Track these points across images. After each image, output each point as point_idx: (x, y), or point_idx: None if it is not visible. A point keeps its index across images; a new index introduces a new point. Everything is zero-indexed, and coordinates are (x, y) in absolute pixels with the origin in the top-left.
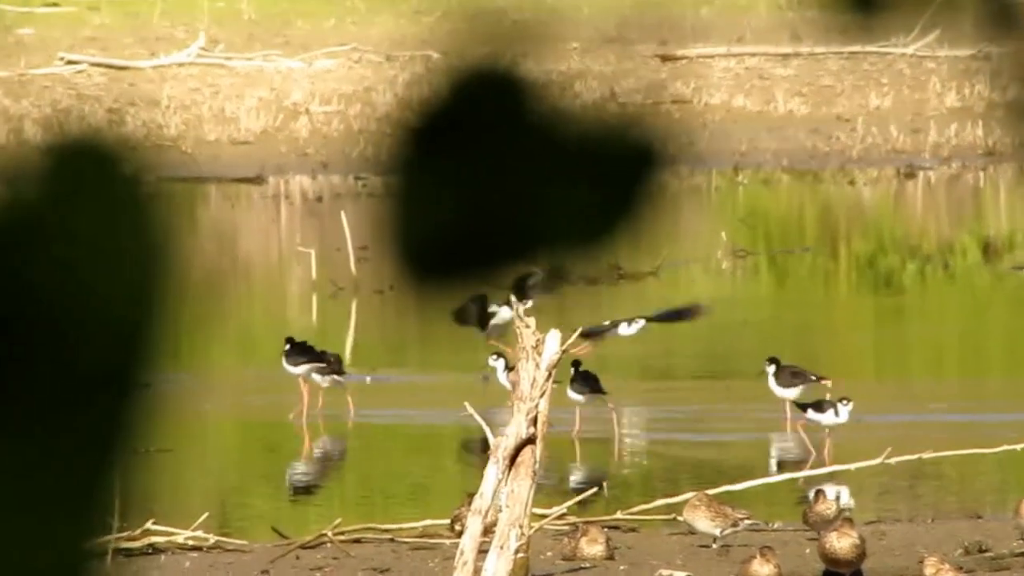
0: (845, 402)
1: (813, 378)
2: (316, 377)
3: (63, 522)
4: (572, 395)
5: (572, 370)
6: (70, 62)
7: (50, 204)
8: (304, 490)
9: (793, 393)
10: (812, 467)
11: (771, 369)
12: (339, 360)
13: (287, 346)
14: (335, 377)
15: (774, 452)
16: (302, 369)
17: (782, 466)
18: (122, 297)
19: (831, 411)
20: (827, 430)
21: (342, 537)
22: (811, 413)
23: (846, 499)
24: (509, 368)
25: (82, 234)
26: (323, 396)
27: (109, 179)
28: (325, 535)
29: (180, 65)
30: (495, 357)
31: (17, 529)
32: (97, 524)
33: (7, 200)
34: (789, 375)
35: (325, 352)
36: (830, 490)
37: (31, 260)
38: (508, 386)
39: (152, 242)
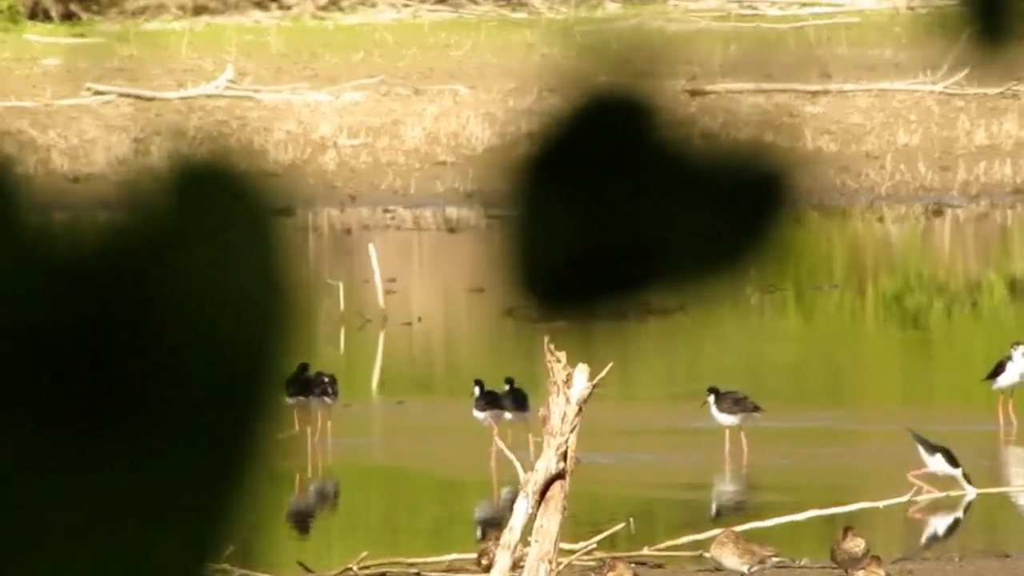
0: (960, 473)
1: (752, 407)
2: (312, 402)
3: (170, 540)
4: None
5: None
6: (97, 92)
7: (160, 228)
8: (328, 523)
9: (733, 420)
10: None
11: (711, 398)
12: (333, 381)
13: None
14: (323, 399)
15: (801, 488)
16: (291, 400)
17: (809, 502)
18: (236, 319)
19: (959, 471)
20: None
21: (367, 571)
22: (938, 458)
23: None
24: (483, 395)
25: (198, 257)
26: (329, 422)
27: (226, 206)
28: (351, 569)
29: (208, 97)
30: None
31: (124, 546)
32: (209, 546)
33: (117, 225)
34: (730, 402)
35: (320, 374)
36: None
37: (148, 282)
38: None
39: (265, 269)
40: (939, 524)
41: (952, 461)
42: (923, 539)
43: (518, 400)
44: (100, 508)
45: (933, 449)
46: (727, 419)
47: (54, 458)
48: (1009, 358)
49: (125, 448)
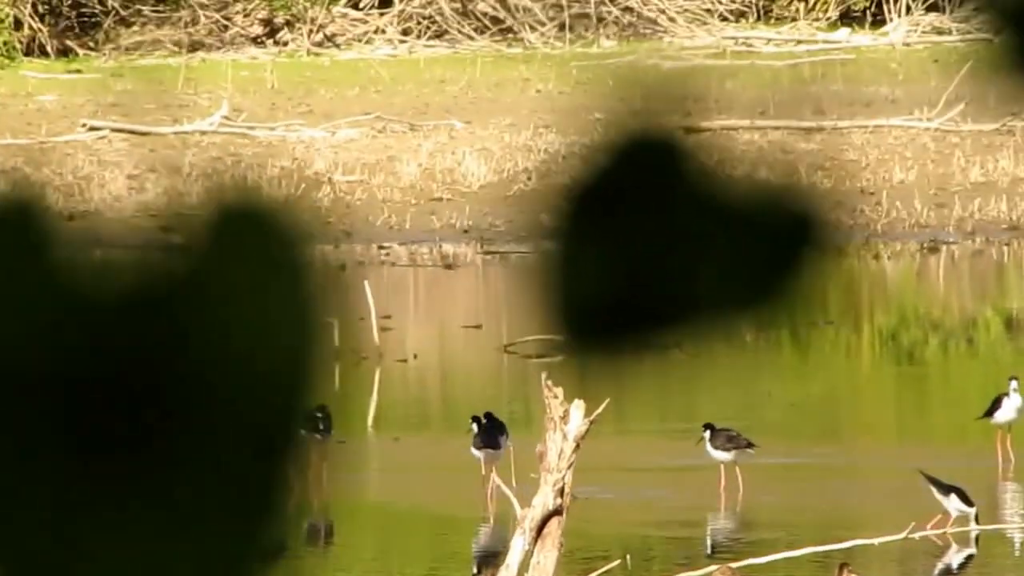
0: (973, 512)
1: (745, 443)
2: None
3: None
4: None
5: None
6: (92, 128)
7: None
8: (323, 559)
9: (727, 456)
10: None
11: (707, 434)
12: (326, 416)
13: None
14: (315, 435)
15: (797, 524)
16: None
17: (805, 539)
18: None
19: (973, 510)
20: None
21: None
22: (953, 499)
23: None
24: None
25: (236, 295)
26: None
27: (263, 242)
28: None
29: (203, 133)
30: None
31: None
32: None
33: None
34: (724, 439)
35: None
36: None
37: (182, 320)
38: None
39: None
40: (935, 560)
41: (966, 500)
42: (920, 574)
43: (491, 435)
44: (123, 540)
45: (948, 489)
46: (722, 455)
47: (76, 492)
48: (1006, 394)
49: (146, 484)
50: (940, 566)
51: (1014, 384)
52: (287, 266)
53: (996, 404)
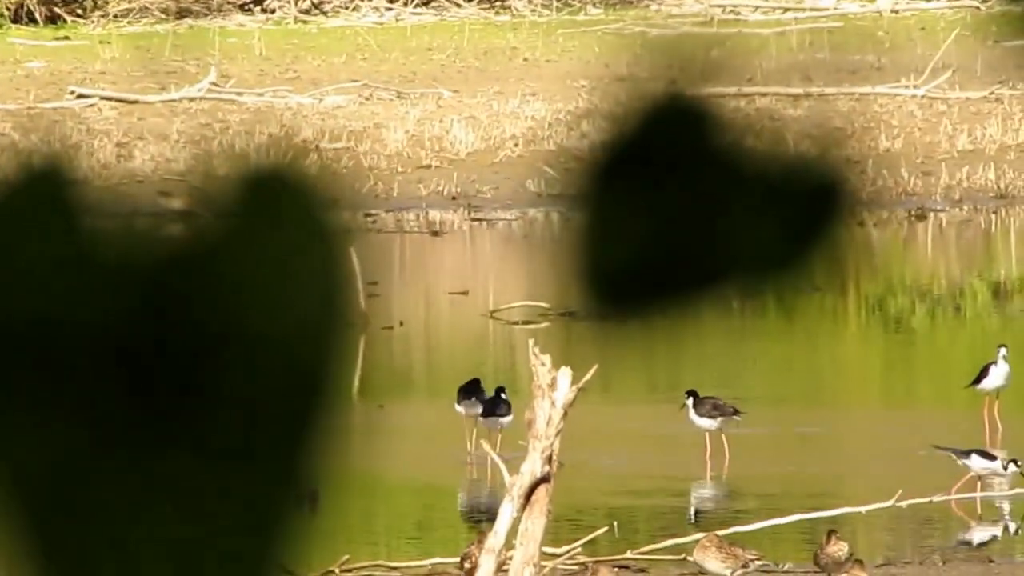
0: (1018, 463)
1: (731, 411)
2: None
3: (238, 546)
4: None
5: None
6: (80, 96)
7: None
8: (309, 526)
9: (712, 424)
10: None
11: (690, 401)
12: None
13: None
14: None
15: (784, 492)
16: None
17: (792, 507)
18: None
19: (997, 462)
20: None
21: (350, 574)
22: (963, 459)
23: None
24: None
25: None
26: None
27: (291, 210)
28: (332, 572)
29: (191, 100)
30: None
31: (190, 551)
32: (270, 562)
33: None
34: (710, 407)
35: None
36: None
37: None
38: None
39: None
40: (922, 528)
41: (988, 455)
42: (906, 543)
43: (496, 406)
44: (146, 506)
45: (966, 452)
46: (708, 423)
47: (102, 458)
48: (994, 362)
49: (172, 446)
50: (926, 533)
51: (1003, 351)
52: (304, 233)
53: (984, 372)
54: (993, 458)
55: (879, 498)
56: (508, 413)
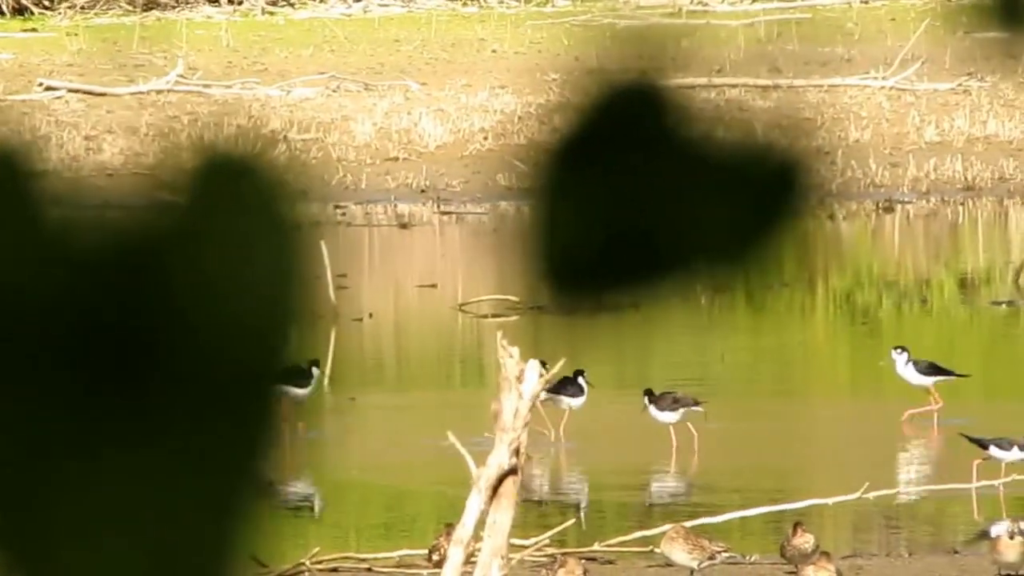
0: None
1: (692, 402)
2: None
3: (198, 534)
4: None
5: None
6: (49, 88)
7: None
8: (279, 518)
9: (675, 417)
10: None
11: (646, 399)
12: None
13: None
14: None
15: (751, 484)
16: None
17: (759, 499)
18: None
19: (1015, 448)
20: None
21: (320, 566)
22: (993, 450)
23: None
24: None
25: (218, 249)
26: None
27: (253, 197)
28: (303, 564)
29: (158, 92)
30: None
31: (150, 541)
32: (240, 554)
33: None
34: (670, 400)
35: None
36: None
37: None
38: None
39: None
40: (888, 520)
41: (1006, 445)
42: (872, 535)
43: (564, 386)
44: (108, 497)
45: (985, 444)
46: (668, 417)
47: (60, 448)
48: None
49: (136, 436)
50: (892, 525)
51: (895, 353)
52: (273, 224)
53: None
54: (1011, 445)
55: (846, 490)
56: (577, 395)
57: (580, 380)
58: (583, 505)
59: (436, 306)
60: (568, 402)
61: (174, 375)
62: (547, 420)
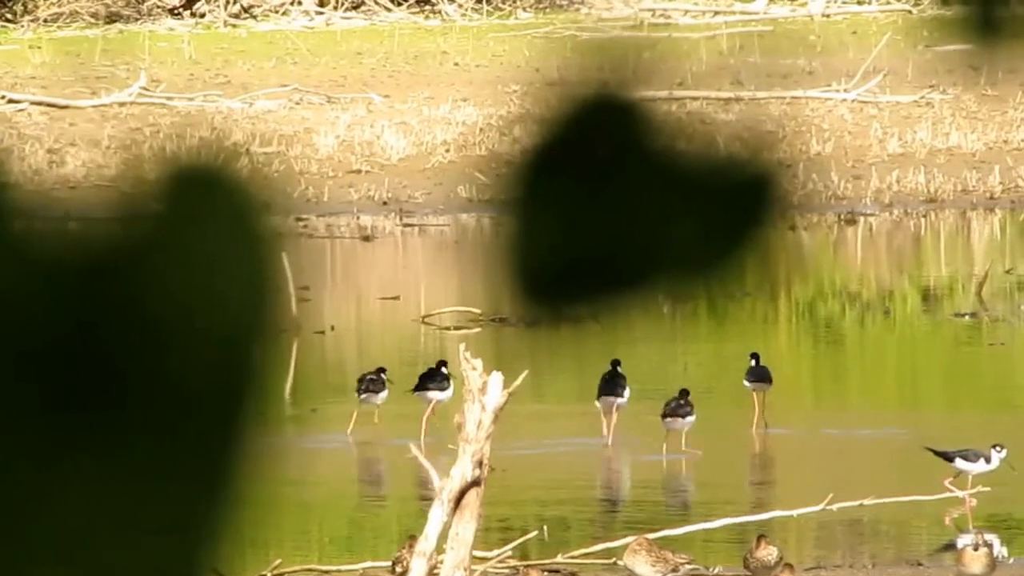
0: (998, 448)
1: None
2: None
3: (168, 549)
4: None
5: None
6: (11, 101)
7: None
8: (240, 529)
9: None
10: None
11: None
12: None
13: None
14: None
15: (714, 496)
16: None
17: (723, 510)
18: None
19: (981, 460)
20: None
21: None
22: (959, 462)
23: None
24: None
25: (181, 262)
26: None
27: (222, 210)
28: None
29: (121, 105)
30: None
31: (113, 555)
32: (201, 566)
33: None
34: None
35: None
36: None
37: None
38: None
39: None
40: (852, 532)
41: (971, 456)
42: (836, 547)
43: (614, 385)
44: (76, 510)
45: (951, 456)
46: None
47: (24, 461)
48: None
49: (102, 448)
50: (856, 537)
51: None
52: (235, 237)
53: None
54: (977, 457)
55: (809, 502)
56: (620, 394)
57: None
58: (546, 517)
59: (399, 318)
60: (618, 401)
61: (138, 388)
62: (605, 426)
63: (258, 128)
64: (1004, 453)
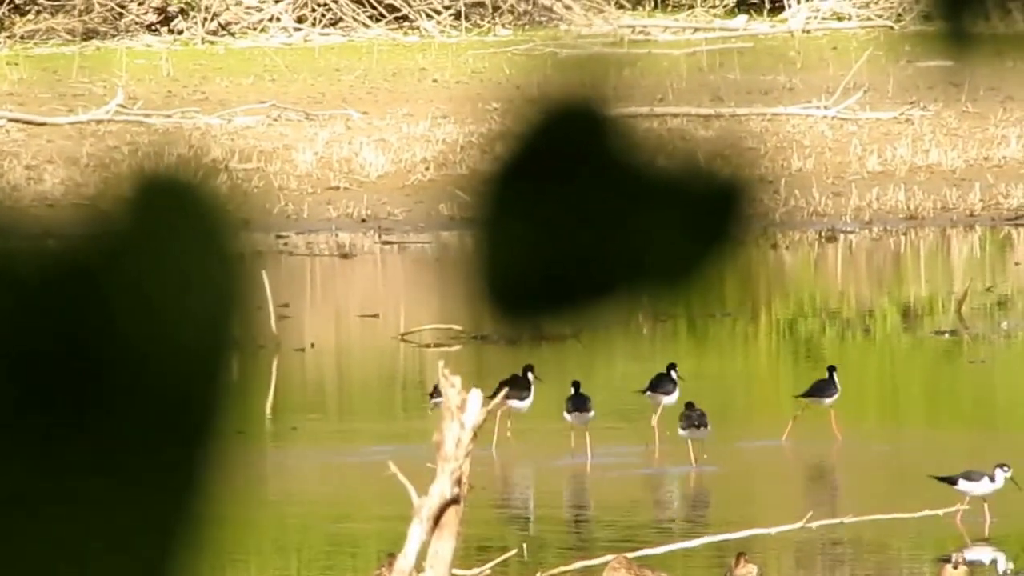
0: (1005, 468)
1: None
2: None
3: (147, 567)
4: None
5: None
6: None
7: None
8: (220, 549)
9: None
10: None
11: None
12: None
13: None
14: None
15: (693, 514)
16: None
17: (702, 529)
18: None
19: (985, 479)
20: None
21: None
22: (962, 483)
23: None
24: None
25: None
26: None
27: (194, 225)
28: None
29: (98, 122)
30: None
31: (91, 568)
32: (184, 573)
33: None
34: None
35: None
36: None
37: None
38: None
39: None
40: (832, 550)
41: (974, 477)
42: (816, 565)
43: (580, 402)
44: (48, 522)
45: (953, 480)
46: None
47: (10, 476)
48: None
49: (80, 466)
50: (833, 555)
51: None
52: (214, 254)
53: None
54: (980, 477)
55: (790, 519)
56: (589, 409)
57: (673, 374)
58: (525, 535)
59: (378, 336)
60: (664, 400)
61: (116, 406)
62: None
63: (236, 145)
64: (1010, 472)
